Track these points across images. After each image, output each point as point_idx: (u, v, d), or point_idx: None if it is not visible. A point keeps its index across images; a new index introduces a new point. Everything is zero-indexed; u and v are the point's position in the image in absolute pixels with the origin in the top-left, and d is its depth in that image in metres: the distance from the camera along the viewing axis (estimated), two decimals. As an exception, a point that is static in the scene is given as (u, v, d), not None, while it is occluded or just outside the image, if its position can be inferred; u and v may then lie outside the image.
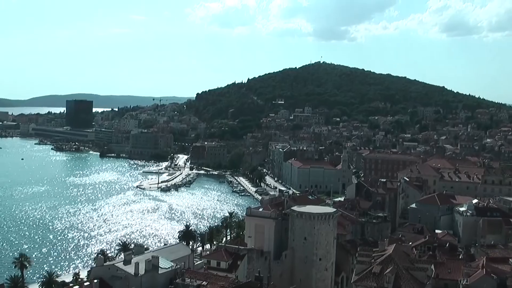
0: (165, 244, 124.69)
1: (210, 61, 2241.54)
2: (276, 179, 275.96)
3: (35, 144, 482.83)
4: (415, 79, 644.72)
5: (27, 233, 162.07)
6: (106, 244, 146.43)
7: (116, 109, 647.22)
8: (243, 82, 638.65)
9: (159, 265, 63.03)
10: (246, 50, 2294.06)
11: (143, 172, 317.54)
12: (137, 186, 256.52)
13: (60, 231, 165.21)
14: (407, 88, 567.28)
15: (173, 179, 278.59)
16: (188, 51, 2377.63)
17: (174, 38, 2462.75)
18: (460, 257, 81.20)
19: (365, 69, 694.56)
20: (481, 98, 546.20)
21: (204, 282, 60.97)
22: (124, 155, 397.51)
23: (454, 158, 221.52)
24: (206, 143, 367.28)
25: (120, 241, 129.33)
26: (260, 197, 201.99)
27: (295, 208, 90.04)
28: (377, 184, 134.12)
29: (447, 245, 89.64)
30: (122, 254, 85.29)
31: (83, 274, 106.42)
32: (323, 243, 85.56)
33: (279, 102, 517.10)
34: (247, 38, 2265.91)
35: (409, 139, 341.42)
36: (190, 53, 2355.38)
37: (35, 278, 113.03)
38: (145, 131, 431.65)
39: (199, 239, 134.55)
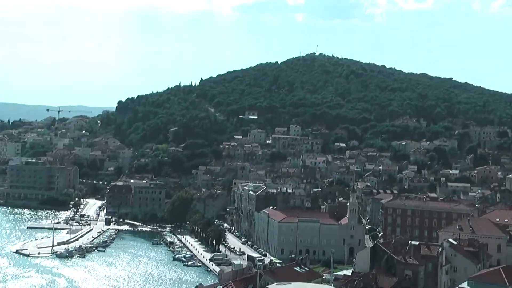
0: None
1: (141, 51, 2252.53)
2: (243, 239, 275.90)
3: None
4: (466, 82, 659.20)
5: None
6: None
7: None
8: (194, 84, 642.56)
9: None
10: (198, 34, 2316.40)
11: (28, 227, 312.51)
12: (17, 251, 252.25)
13: None
14: (453, 96, 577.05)
15: (77, 239, 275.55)
16: (105, 34, 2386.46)
17: (82, 14, 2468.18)
18: None
19: (387, 66, 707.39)
20: None
21: None
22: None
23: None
24: (132, 181, 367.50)
25: None
26: (218, 269, 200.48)
27: (274, 286, 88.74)
28: (405, 250, 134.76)
29: None
30: None
31: None
32: None
33: (249, 116, 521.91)
34: (200, 16, 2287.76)
35: (456, 177, 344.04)
36: (109, 38, 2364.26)
37: None
38: (34, 160, 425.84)
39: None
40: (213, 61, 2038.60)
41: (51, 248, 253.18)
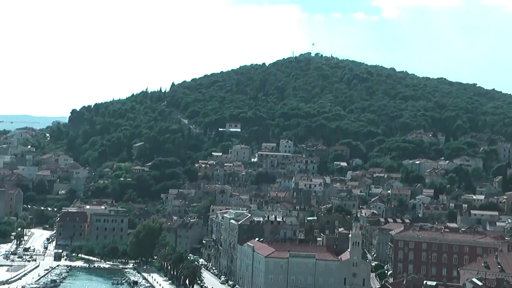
0: None
1: (100, 50, 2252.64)
2: (223, 278, 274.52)
3: None
4: (493, 89, 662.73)
5: None
6: None
7: None
8: (163, 90, 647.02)
9: None
10: (169, 30, 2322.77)
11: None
12: None
13: None
14: (477, 106, 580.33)
15: (20, 278, 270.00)
16: (55, 30, 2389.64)
17: (28, 3, 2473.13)
18: None
19: (397, 69, 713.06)
20: None
21: None
22: None
23: None
24: (88, 207, 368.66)
25: None
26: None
27: None
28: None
29: None
30: None
31: None
32: None
33: (231, 129, 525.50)
34: (172, 7, 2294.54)
35: (481, 204, 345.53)
36: (60, 33, 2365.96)
37: None
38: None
39: None
40: (187, 62, 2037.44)
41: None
